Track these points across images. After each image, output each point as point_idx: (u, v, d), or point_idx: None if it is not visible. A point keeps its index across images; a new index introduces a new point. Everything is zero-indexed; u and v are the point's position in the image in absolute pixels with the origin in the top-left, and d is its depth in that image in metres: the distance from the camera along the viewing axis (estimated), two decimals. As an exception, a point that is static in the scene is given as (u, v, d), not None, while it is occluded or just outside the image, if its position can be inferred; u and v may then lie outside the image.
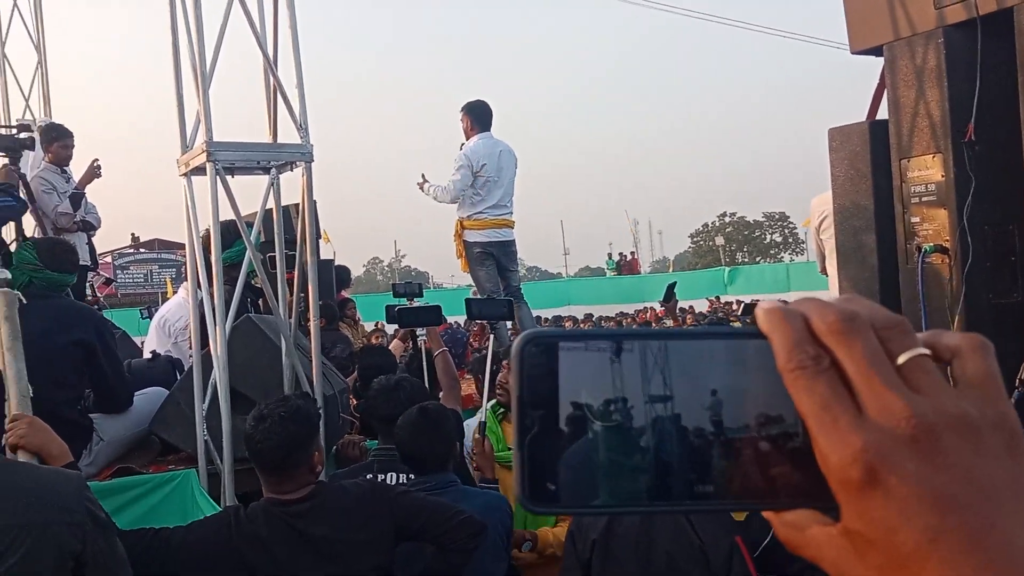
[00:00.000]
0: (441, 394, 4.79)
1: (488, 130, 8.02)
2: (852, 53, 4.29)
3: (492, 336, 5.33)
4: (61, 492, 2.53)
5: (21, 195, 6.22)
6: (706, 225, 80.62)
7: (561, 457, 0.55)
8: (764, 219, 79.05)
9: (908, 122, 3.98)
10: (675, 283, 8.42)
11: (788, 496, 0.55)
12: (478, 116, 8.03)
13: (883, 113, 4.45)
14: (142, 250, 42.73)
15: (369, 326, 13.19)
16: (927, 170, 3.95)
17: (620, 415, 0.55)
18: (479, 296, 7.71)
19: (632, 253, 47.36)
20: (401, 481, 3.67)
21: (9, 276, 3.77)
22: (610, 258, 43.56)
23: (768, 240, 78.66)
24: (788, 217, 77.39)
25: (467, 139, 7.98)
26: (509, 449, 3.73)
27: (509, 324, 5.81)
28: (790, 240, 77.06)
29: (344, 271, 10.94)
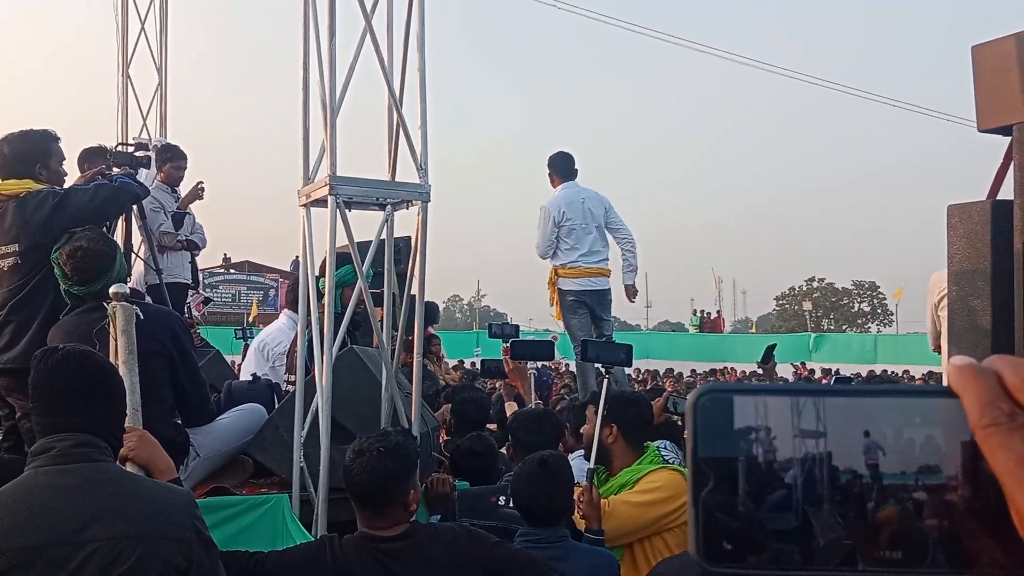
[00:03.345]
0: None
1: (571, 179, 8.02)
2: (979, 131, 4.19)
3: (607, 381, 5.14)
4: (171, 507, 2.58)
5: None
6: (793, 289, 79.44)
7: (738, 514, 0.54)
8: (853, 287, 77.58)
9: (1035, 204, 3.86)
10: (775, 345, 8.29)
11: (982, 564, 0.52)
12: (558, 167, 8.06)
13: (1005, 193, 4.34)
14: (232, 271, 43.74)
15: (449, 363, 13.25)
16: (1051, 254, 3.82)
17: (800, 474, 0.54)
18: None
19: (718, 311, 46.86)
20: None
21: (128, 291, 3.87)
22: (695, 314, 43.15)
23: (856, 309, 77.12)
24: (878, 287, 75.92)
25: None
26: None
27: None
28: (879, 311, 75.45)
29: (432, 307, 11.02)
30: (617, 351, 4.99)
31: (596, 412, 3.90)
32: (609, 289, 8.04)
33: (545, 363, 10.56)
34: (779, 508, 0.54)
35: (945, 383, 0.54)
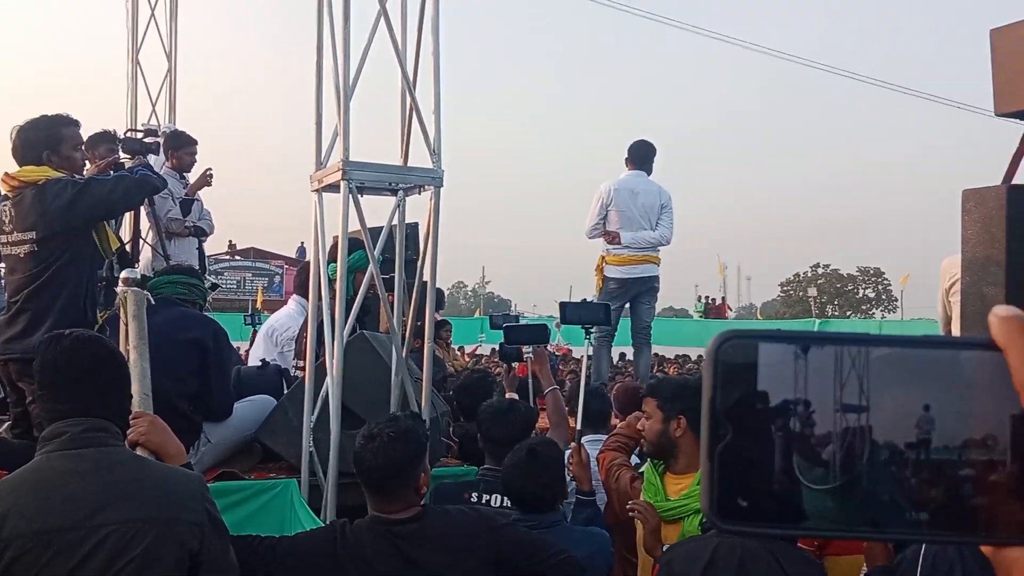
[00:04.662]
0: (548, 432, 4.75)
1: (641, 168, 7.96)
2: (996, 115, 4.16)
3: (587, 342, 5.21)
4: (184, 491, 2.58)
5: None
6: (797, 275, 79.26)
7: (756, 470, 0.51)
8: (858, 273, 77.43)
9: (1051, 190, 3.85)
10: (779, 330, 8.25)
11: (1015, 531, 0.50)
12: (632, 154, 8.02)
13: (1020, 178, 4.31)
14: (237, 257, 43.72)
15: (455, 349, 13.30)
16: (1067, 241, 3.81)
17: (826, 428, 0.51)
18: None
19: (722, 298, 46.79)
20: (505, 504, 3.66)
21: (139, 276, 3.87)
22: (699, 300, 43.09)
23: (861, 295, 76.99)
24: (883, 273, 75.73)
25: None
26: (669, 500, 3.57)
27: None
28: (883, 297, 75.31)
29: (438, 293, 11.01)
30: (596, 311, 5.07)
31: (659, 405, 3.62)
32: (655, 276, 7.95)
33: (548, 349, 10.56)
34: (804, 465, 0.51)
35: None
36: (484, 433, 4.04)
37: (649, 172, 7.98)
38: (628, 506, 3.48)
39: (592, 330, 5.27)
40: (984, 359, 0.51)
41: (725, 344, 0.53)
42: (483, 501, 3.71)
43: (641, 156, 7.99)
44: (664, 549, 3.19)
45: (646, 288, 7.91)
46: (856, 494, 0.51)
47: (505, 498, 3.67)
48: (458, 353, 11.87)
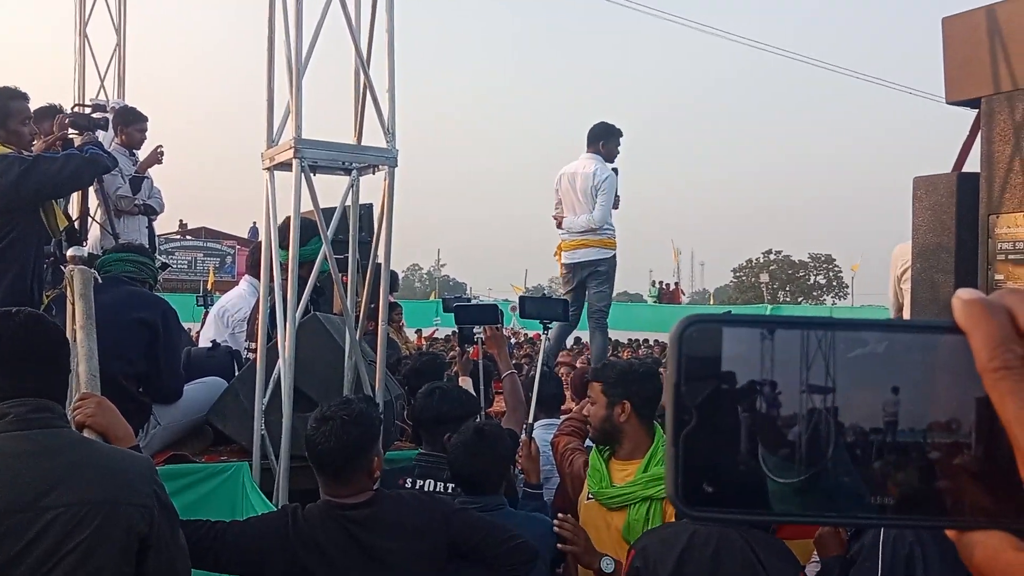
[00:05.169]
0: (504, 416, 4.74)
1: (591, 150, 7.93)
2: (947, 103, 4.22)
3: (544, 338, 5.29)
4: (132, 473, 2.55)
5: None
6: (750, 261, 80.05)
7: (721, 455, 0.51)
8: (810, 260, 78.39)
9: (1001, 177, 3.91)
10: (730, 312, 8.33)
11: (979, 515, 0.50)
12: (588, 136, 8.01)
13: (970, 166, 4.37)
14: (188, 237, 43.22)
15: (410, 333, 13.27)
16: (1016, 228, 3.87)
17: (790, 412, 0.51)
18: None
19: (676, 283, 47.13)
20: (439, 490, 3.65)
21: (86, 254, 3.79)
22: (653, 286, 43.35)
23: (812, 281, 77.97)
24: (834, 260, 76.75)
25: None
26: (614, 486, 3.52)
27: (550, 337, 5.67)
28: (834, 283, 76.33)
29: (393, 276, 10.95)
30: (555, 306, 5.14)
31: (603, 390, 3.56)
32: (596, 260, 7.88)
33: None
34: (767, 449, 0.51)
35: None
36: (416, 417, 4.04)
37: (603, 153, 7.91)
38: (555, 525, 3.37)
39: (550, 325, 5.33)
40: (947, 343, 0.50)
41: (689, 328, 0.52)
42: (417, 486, 3.69)
43: (591, 137, 7.96)
44: (640, 535, 3.15)
45: (590, 272, 7.88)
46: (822, 478, 0.51)
47: (439, 483, 3.66)
48: (409, 336, 11.82)
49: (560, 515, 3.42)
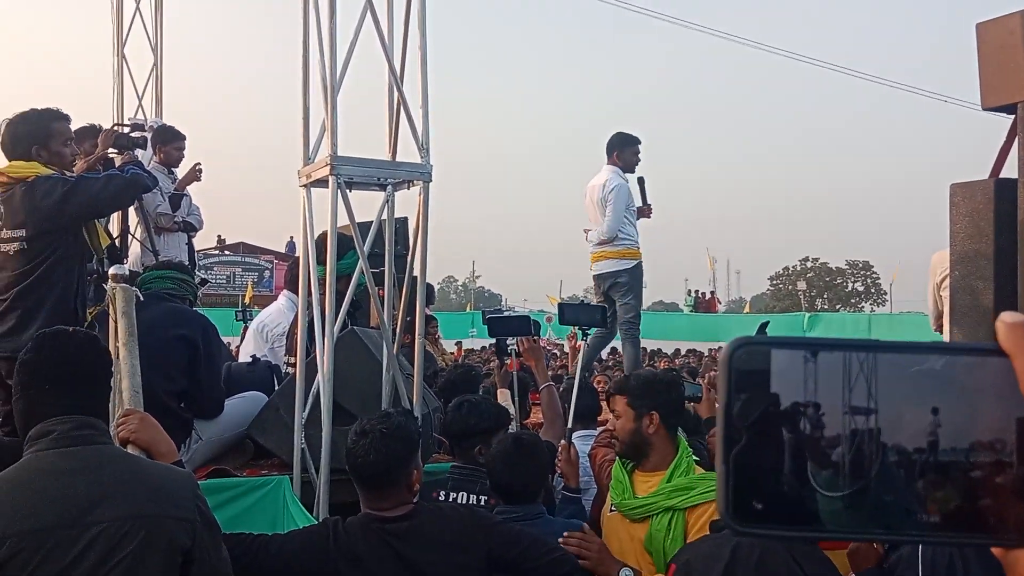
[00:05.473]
0: (542, 429, 4.74)
1: (608, 161, 7.96)
2: (983, 109, 4.17)
3: (584, 345, 5.30)
4: (175, 488, 2.58)
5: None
6: (787, 268, 79.43)
7: (771, 473, 0.52)
8: (847, 267, 77.65)
9: (1039, 182, 3.85)
10: (768, 323, 8.32)
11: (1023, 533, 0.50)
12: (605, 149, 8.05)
13: (1008, 172, 4.32)
14: (227, 252, 43.61)
15: (447, 345, 13.31)
16: (1056, 233, 3.81)
17: (836, 430, 0.52)
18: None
19: (712, 292, 46.87)
20: (472, 502, 3.66)
21: (127, 272, 3.85)
22: (689, 295, 43.13)
23: (850, 288, 77.22)
24: (872, 266, 75.99)
25: None
26: (636, 498, 3.48)
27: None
28: (872, 290, 75.55)
29: (428, 288, 10.99)
30: (594, 313, 5.14)
31: (629, 403, 3.49)
32: (616, 272, 7.88)
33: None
34: (816, 468, 0.52)
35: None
36: (445, 431, 4.05)
37: (620, 164, 7.91)
38: (560, 540, 3.24)
39: (589, 331, 5.34)
40: (991, 365, 0.51)
41: (739, 350, 0.54)
42: (451, 499, 3.71)
43: (608, 148, 7.98)
44: (679, 550, 3.11)
45: (611, 283, 7.88)
46: (868, 496, 0.51)
47: (472, 495, 3.67)
48: (449, 348, 11.86)
49: (567, 532, 3.33)
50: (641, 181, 8.04)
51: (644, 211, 8.10)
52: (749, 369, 0.53)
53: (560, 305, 5.39)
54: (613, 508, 3.60)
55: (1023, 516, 0.50)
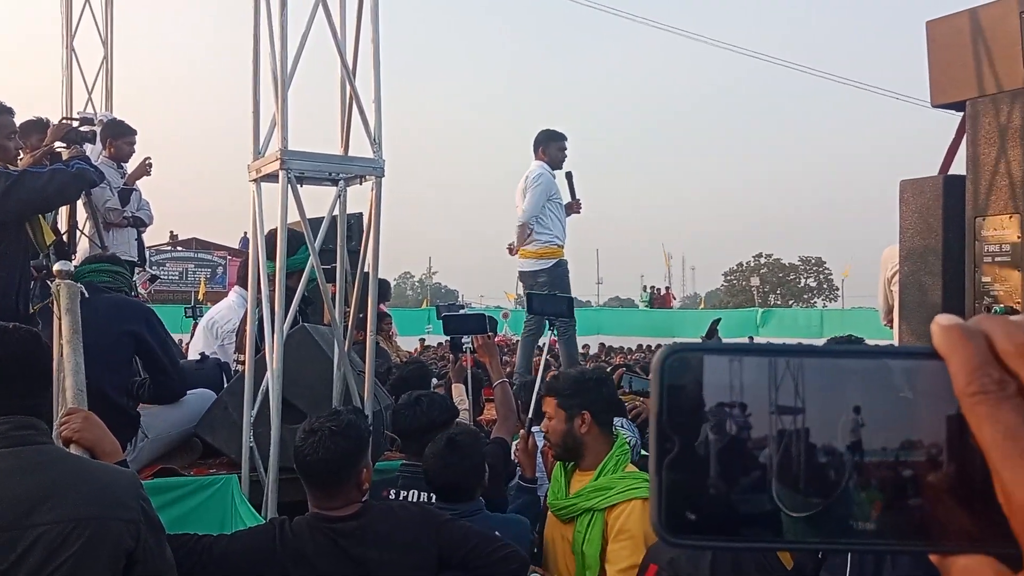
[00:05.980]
0: (496, 425, 4.73)
1: (535, 159, 7.98)
2: (933, 106, 4.24)
3: (550, 334, 5.40)
4: (118, 489, 2.54)
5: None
6: (741, 264, 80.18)
7: (704, 483, 0.51)
8: (800, 263, 78.54)
9: (987, 180, 3.92)
10: (719, 319, 8.39)
11: (960, 539, 0.49)
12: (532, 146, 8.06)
13: (956, 168, 4.39)
14: (179, 248, 43.13)
15: (405, 341, 13.27)
16: (1003, 230, 3.88)
17: (772, 439, 0.51)
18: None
19: (667, 287, 47.18)
20: (422, 499, 3.64)
21: (72, 269, 3.78)
22: (645, 290, 43.39)
23: (803, 284, 78.13)
24: (824, 263, 76.92)
25: None
26: (566, 498, 3.47)
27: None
28: (824, 286, 76.52)
29: (384, 284, 10.95)
30: (560, 303, 5.22)
31: (559, 404, 3.47)
32: (533, 271, 7.83)
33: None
34: (749, 478, 0.51)
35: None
36: (394, 428, 4.03)
37: (547, 160, 7.90)
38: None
39: (556, 321, 5.39)
40: (927, 368, 0.50)
41: (671, 357, 0.52)
42: (401, 497, 3.69)
43: (534, 145, 8.00)
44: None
45: (531, 284, 7.81)
46: (799, 503, 0.50)
47: (423, 493, 3.65)
48: (405, 345, 11.82)
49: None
50: (569, 176, 8.05)
51: (573, 207, 8.08)
52: (681, 376, 0.52)
53: (528, 295, 5.50)
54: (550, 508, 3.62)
55: (959, 522, 0.49)
